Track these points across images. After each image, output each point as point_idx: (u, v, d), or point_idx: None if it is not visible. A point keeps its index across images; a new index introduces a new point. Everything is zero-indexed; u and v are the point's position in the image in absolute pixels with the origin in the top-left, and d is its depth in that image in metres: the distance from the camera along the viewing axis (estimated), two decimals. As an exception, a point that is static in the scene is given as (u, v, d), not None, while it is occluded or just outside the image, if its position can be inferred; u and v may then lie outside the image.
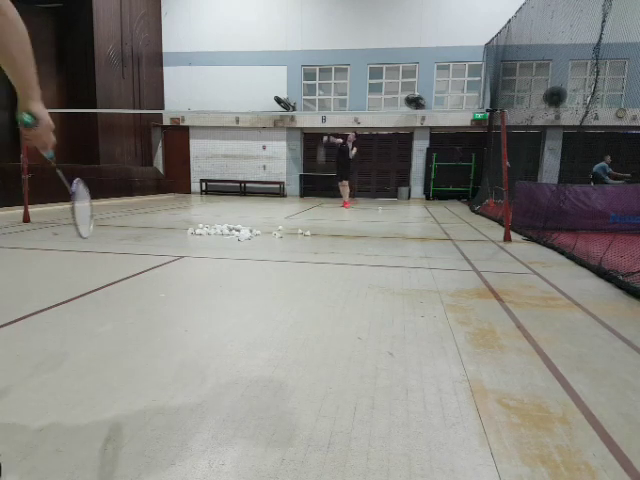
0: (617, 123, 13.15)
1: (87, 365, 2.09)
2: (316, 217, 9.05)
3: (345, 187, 11.40)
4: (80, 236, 1.73)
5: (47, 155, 1.53)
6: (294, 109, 15.50)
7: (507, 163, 6.18)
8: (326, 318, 2.82)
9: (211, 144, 16.42)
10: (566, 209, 6.62)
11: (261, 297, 3.27)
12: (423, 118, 15.00)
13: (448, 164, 15.08)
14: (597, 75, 6.10)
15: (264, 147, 16.21)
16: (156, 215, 8.87)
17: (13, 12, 1.19)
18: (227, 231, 6.29)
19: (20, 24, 1.21)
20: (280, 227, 6.69)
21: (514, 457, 1.48)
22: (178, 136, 16.53)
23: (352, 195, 11.92)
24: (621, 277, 3.78)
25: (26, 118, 1.30)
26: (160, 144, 16.62)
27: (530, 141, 11.14)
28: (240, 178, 16.37)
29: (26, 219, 7.15)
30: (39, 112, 1.31)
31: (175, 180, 16.62)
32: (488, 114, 13.88)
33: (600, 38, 5.69)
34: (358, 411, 1.74)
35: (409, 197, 15.70)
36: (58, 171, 1.75)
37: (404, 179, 15.91)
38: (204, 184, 16.50)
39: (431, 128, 15.30)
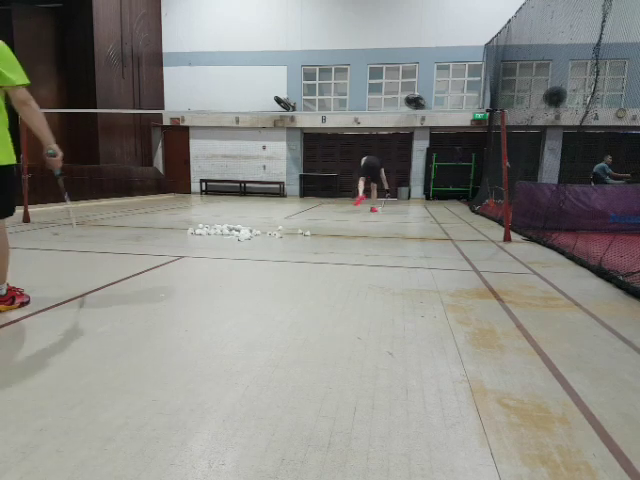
0: (617, 123, 13.16)
1: (87, 365, 2.09)
2: (316, 217, 9.05)
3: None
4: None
5: (56, 173, 2.93)
6: (294, 109, 15.50)
7: (507, 163, 6.18)
8: (326, 318, 2.82)
9: (211, 144, 16.42)
10: (566, 209, 6.62)
11: (261, 297, 3.27)
12: (423, 118, 15.00)
13: (448, 164, 15.08)
14: (597, 75, 6.10)
15: (264, 147, 16.21)
16: (156, 215, 8.87)
17: (34, 104, 2.62)
18: (227, 231, 6.29)
19: (37, 110, 2.65)
20: (280, 227, 6.69)
21: (514, 457, 1.48)
22: (178, 136, 16.53)
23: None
24: (621, 277, 3.78)
25: (50, 152, 2.78)
26: (160, 144, 16.62)
27: (530, 141, 11.13)
28: (240, 178, 16.37)
29: (26, 219, 7.16)
30: (57, 149, 2.80)
31: (175, 180, 16.62)
32: (488, 114, 13.89)
33: (600, 38, 5.70)
34: (358, 411, 1.74)
35: (409, 197, 15.70)
36: (60, 182, 3.09)
37: (404, 179, 15.91)
38: (204, 184, 16.50)
39: (431, 128, 15.30)
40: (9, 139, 2.73)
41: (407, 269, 4.29)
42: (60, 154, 2.81)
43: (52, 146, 2.75)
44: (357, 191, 10.87)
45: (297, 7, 15.25)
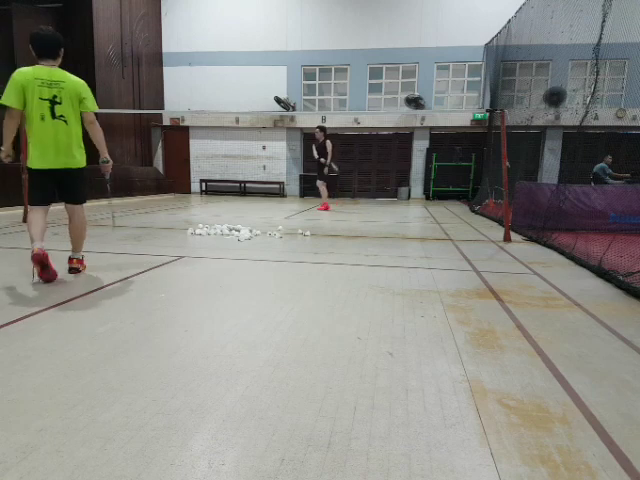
0: (617, 123, 13.15)
1: (87, 365, 2.09)
2: (316, 217, 9.05)
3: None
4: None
5: (107, 178, 4.15)
6: (294, 109, 15.50)
7: (507, 163, 6.19)
8: (326, 318, 2.82)
9: (211, 144, 16.42)
10: (566, 209, 6.62)
11: (261, 297, 3.27)
12: (423, 118, 15.00)
13: (448, 164, 15.08)
14: (597, 75, 6.10)
15: (264, 147, 16.21)
16: (156, 215, 8.87)
17: (97, 124, 3.78)
18: (227, 231, 6.29)
19: (99, 129, 3.77)
20: (280, 227, 6.69)
21: (514, 457, 1.48)
22: (178, 136, 16.52)
23: (330, 196, 11.80)
24: (621, 277, 3.78)
25: (104, 160, 3.89)
26: (160, 144, 16.61)
27: (530, 141, 11.13)
28: (240, 178, 16.37)
29: (26, 219, 7.15)
30: (109, 159, 3.92)
31: (175, 180, 16.61)
32: (488, 114, 13.88)
33: (600, 38, 5.70)
34: (358, 411, 1.74)
35: (409, 197, 15.70)
36: (109, 186, 4.44)
37: (404, 179, 15.90)
38: (204, 184, 16.50)
39: (431, 128, 15.30)
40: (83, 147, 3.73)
41: (407, 269, 4.29)
42: (111, 162, 3.89)
43: (106, 156, 3.82)
44: (320, 194, 11.34)
45: (297, 7, 15.25)
